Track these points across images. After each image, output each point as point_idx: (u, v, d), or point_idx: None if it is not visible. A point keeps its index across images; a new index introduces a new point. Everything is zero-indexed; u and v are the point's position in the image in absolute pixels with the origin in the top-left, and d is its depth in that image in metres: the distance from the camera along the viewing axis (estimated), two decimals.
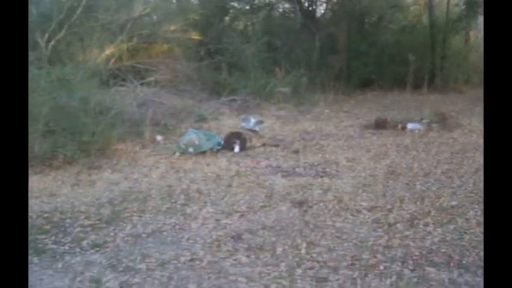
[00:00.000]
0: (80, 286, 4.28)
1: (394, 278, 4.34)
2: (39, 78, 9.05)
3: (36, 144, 8.07)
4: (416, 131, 11.09)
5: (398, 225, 5.56)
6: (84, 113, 9.14)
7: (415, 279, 4.29)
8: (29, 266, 4.67)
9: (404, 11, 22.22)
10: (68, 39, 12.40)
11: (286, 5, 22.38)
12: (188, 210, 6.19)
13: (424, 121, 11.71)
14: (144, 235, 5.43)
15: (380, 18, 21.37)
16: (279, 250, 4.93)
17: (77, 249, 5.08)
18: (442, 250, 4.84)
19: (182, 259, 4.77)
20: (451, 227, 5.47)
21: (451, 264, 4.55)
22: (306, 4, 21.47)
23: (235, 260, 4.74)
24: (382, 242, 5.10)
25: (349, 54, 19.51)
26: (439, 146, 9.60)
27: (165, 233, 5.48)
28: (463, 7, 20.99)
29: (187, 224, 5.75)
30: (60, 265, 4.68)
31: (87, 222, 5.81)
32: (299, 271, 4.48)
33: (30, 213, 6.07)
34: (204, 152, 9.18)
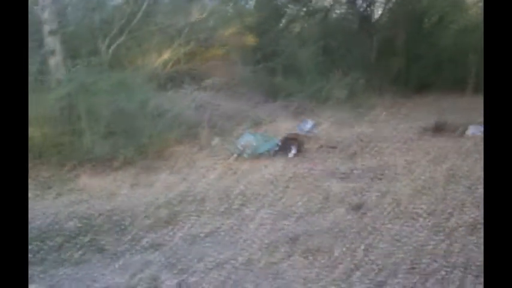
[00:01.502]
0: (139, 284, 4.36)
1: (456, 284, 4.21)
2: (101, 82, 9.30)
3: (97, 145, 8.31)
4: (479, 133, 10.73)
5: (459, 230, 5.39)
6: (142, 115, 9.33)
7: (479, 287, 4.15)
8: (91, 263, 4.80)
9: (467, 10, 21.51)
10: (127, 44, 12.72)
11: (343, 8, 22.19)
12: (245, 212, 6.22)
13: None
14: (201, 235, 5.49)
15: (440, 19, 20.81)
16: (336, 253, 4.88)
17: (137, 248, 5.19)
18: None
19: (239, 260, 4.78)
20: None
21: None
22: (364, 5, 21.20)
23: (292, 261, 4.72)
24: (443, 247, 4.96)
25: (407, 56, 19.12)
26: None
27: (222, 234, 5.53)
28: None
29: (244, 225, 5.78)
30: (120, 262, 4.78)
31: (146, 222, 5.92)
32: (357, 274, 4.42)
33: (92, 212, 6.25)
34: (260, 155, 9.19)
